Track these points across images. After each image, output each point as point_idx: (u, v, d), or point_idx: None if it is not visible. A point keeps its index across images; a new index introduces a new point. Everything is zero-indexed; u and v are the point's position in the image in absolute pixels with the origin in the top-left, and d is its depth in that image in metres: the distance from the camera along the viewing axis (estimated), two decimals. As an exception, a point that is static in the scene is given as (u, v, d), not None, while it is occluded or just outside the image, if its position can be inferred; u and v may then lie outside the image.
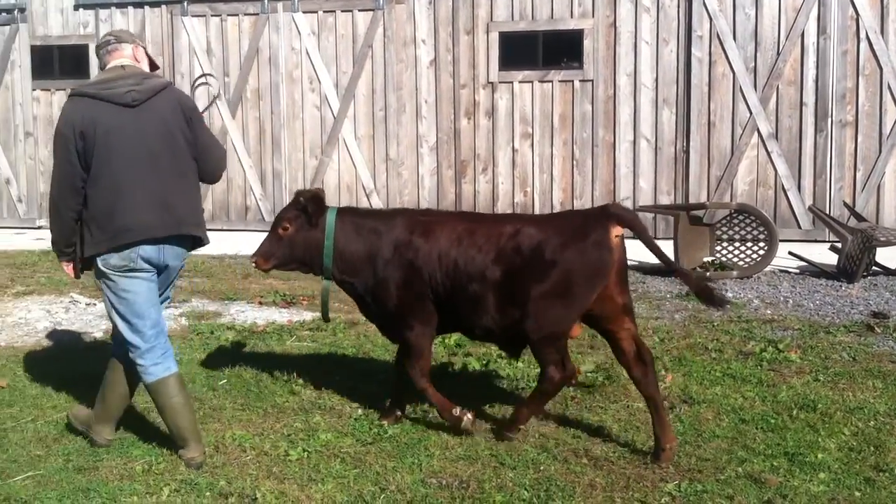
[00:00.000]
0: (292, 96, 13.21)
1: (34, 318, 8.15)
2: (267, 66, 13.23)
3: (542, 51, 12.55)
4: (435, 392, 5.21)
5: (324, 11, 13.01)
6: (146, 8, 13.49)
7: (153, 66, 5.10)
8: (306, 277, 9.64)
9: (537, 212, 12.52)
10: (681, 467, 4.62)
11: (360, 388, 5.95)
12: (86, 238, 4.79)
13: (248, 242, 12.23)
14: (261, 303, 8.62)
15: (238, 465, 4.76)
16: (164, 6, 13.41)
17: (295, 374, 6.20)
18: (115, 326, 4.93)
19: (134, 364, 4.85)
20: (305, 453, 4.87)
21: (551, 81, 12.45)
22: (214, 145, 5.13)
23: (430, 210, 6.19)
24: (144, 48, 5.08)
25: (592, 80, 12.32)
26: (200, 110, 5.12)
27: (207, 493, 4.40)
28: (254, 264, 5.51)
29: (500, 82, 12.57)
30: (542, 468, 4.65)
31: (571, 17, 12.34)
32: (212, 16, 13.30)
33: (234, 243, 12.18)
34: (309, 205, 5.29)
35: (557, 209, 12.46)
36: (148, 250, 4.76)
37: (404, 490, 4.42)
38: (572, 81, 12.39)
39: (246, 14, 13.21)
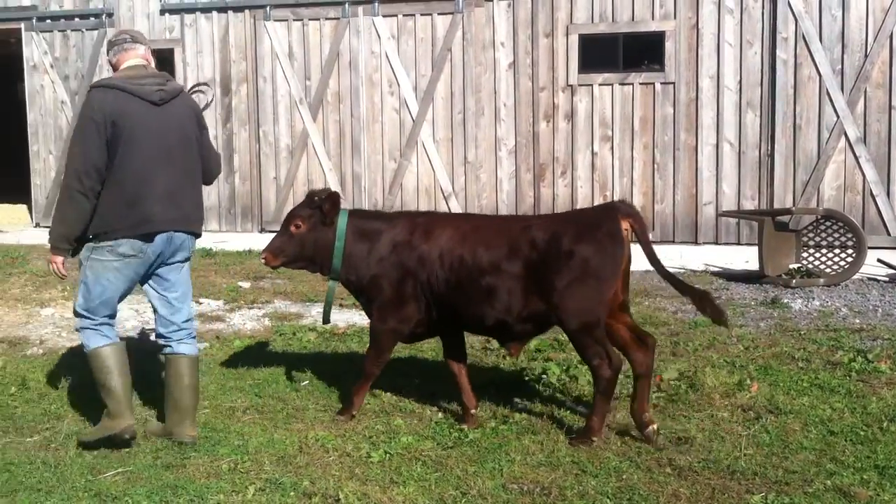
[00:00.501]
0: (372, 100, 13.31)
1: (123, 317, 8.32)
2: (347, 70, 13.35)
3: (623, 53, 12.44)
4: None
5: (403, 15, 13.09)
6: (230, 13, 13.73)
7: (158, 68, 5.32)
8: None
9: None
10: (767, 479, 4.53)
11: (439, 392, 5.96)
12: (100, 223, 4.94)
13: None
14: (342, 305, 8.69)
15: (321, 465, 4.81)
16: (247, 11, 13.63)
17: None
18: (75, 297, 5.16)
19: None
20: (387, 455, 4.90)
21: (632, 84, 12.33)
22: (213, 150, 5.48)
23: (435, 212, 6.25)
24: (152, 50, 5.32)
25: (674, 83, 12.17)
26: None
27: (291, 493, 4.45)
28: (262, 261, 5.63)
29: (579, 85, 12.50)
30: (624, 476, 4.60)
31: (653, 18, 12.20)
32: (294, 20, 13.48)
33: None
34: (324, 204, 5.44)
35: (637, 213, 12.34)
36: (158, 242, 5.01)
37: (485, 495, 4.41)
38: (653, 84, 12.25)
39: (327, 18, 13.35)
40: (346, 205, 12.74)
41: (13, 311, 8.57)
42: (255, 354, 7.01)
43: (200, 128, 5.25)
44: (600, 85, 12.46)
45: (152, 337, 7.54)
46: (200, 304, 8.82)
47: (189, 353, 5.24)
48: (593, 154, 12.53)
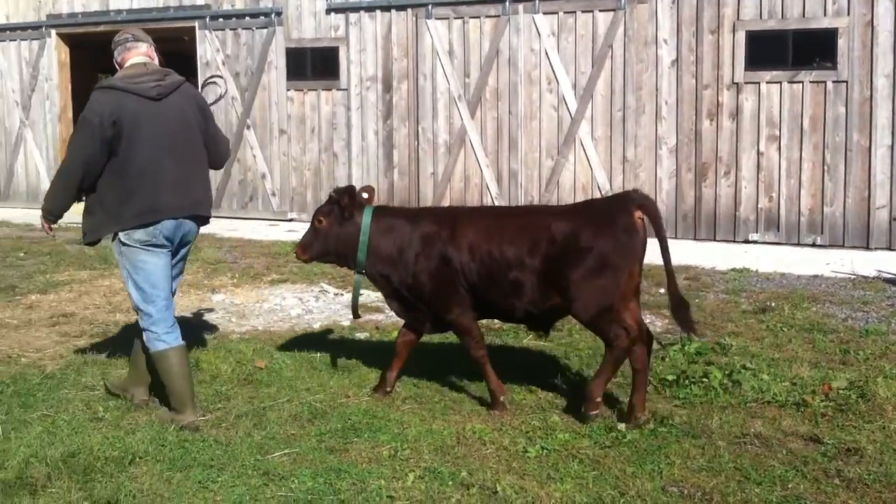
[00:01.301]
0: (530, 97, 13.31)
1: (288, 304, 8.64)
2: (506, 67, 13.40)
3: (792, 50, 12.00)
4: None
5: (564, 12, 13.03)
6: (393, 11, 13.99)
7: (161, 63, 5.63)
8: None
9: (783, 219, 12.03)
10: (947, 496, 4.31)
11: (596, 390, 5.93)
12: (110, 216, 5.31)
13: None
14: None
15: (479, 457, 4.86)
16: (409, 9, 13.86)
17: (532, 373, 6.27)
18: (131, 298, 5.48)
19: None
20: (544, 451, 4.90)
21: (801, 82, 11.88)
22: (221, 136, 5.78)
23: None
24: (156, 47, 5.65)
25: (847, 81, 11.66)
26: (210, 105, 5.83)
27: (450, 483, 4.51)
28: (295, 254, 5.98)
29: (745, 83, 12.14)
30: (790, 486, 4.45)
31: (824, 15, 11.73)
32: (455, 18, 13.62)
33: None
34: (342, 200, 5.67)
35: (805, 216, 11.91)
36: (168, 227, 5.34)
37: (644, 496, 4.36)
38: (825, 82, 11.77)
39: (487, 16, 13.43)
40: (503, 202, 12.81)
41: (186, 297, 8.99)
42: (414, 347, 7.12)
43: (205, 117, 5.57)
44: (768, 83, 12.06)
45: (317, 325, 7.78)
46: (361, 294, 9.00)
47: (181, 342, 5.51)
48: (759, 154, 12.15)
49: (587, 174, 13.03)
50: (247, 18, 15.08)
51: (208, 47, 15.42)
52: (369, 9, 14.11)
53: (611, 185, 12.85)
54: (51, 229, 5.60)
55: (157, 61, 5.56)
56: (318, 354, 6.79)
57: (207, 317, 8.17)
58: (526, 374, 6.24)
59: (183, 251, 5.61)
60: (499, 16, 13.34)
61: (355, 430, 5.25)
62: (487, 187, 13.60)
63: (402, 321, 6.12)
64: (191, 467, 4.69)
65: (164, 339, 5.37)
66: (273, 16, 14.77)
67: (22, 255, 11.58)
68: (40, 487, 4.42)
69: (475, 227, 5.59)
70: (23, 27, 16.95)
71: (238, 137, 15.31)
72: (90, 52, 19.18)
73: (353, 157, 14.48)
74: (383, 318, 8.09)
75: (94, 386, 6.05)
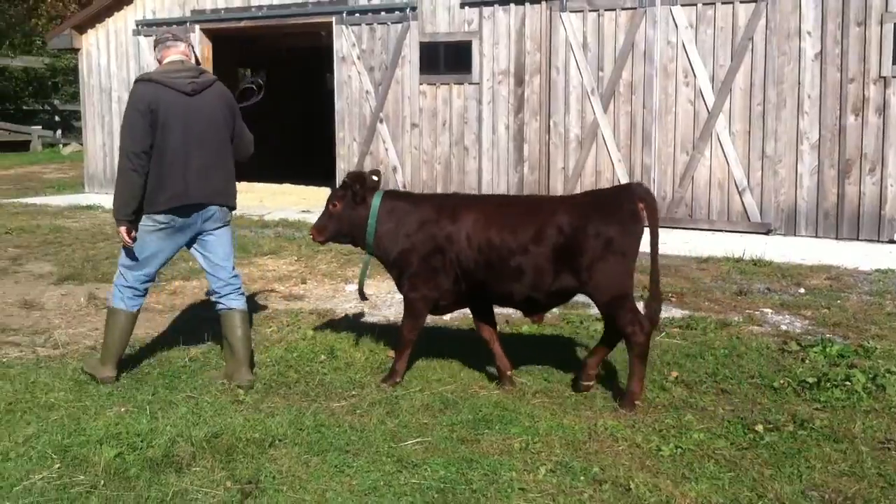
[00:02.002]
0: (665, 90, 13.07)
1: (381, 301, 8.73)
2: (641, 60, 13.19)
3: (945, 42, 11.44)
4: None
5: (703, 4, 12.73)
6: (527, 4, 13.95)
7: (197, 61, 6.27)
8: (676, 274, 9.57)
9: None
10: None
11: (731, 391, 5.80)
12: (149, 201, 5.76)
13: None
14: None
15: (611, 453, 4.82)
16: (544, 2, 13.80)
17: (666, 371, 6.18)
18: (120, 256, 5.99)
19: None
20: (678, 450, 4.82)
21: (955, 75, 11.31)
22: (247, 132, 6.24)
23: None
24: (192, 47, 6.21)
25: None
26: (240, 105, 6.31)
27: (582, 478, 4.49)
28: (311, 236, 6.26)
29: (893, 77, 11.62)
30: (940, 496, 4.26)
31: (983, 4, 11.13)
32: (590, 11, 13.49)
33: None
34: (354, 185, 5.98)
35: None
36: (192, 213, 5.85)
37: (783, 500, 4.25)
38: (980, 75, 11.18)
39: (623, 8, 13.25)
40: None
41: (321, 286, 9.20)
42: (543, 340, 7.12)
43: (233, 113, 6.07)
44: (917, 76, 11.53)
45: (447, 317, 7.85)
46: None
47: (238, 307, 6.06)
48: (906, 150, 11.63)
49: (724, 170, 12.71)
50: (382, 13, 15.29)
51: (344, 42, 15.71)
52: (503, 2, 14.11)
53: (748, 182, 12.51)
54: (129, 235, 5.82)
55: (192, 60, 6.11)
56: (449, 345, 6.84)
57: (341, 306, 8.34)
58: (657, 372, 6.15)
59: (215, 233, 6.04)
60: (635, 8, 13.14)
61: (486, 421, 5.28)
62: (619, 182, 13.43)
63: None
64: (327, 451, 4.80)
65: (125, 301, 5.95)
66: (408, 10, 14.93)
67: (166, 242, 12.02)
68: (185, 466, 4.60)
69: (476, 215, 5.81)
70: (168, 22, 17.60)
71: (371, 131, 15.56)
72: (230, 47, 19.82)
73: (484, 151, 14.53)
74: (513, 312, 8.09)
75: (234, 370, 6.25)
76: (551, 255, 5.54)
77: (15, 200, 17.16)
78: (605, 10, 13.38)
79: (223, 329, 6.07)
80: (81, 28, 18.74)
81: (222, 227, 6.07)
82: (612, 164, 13.44)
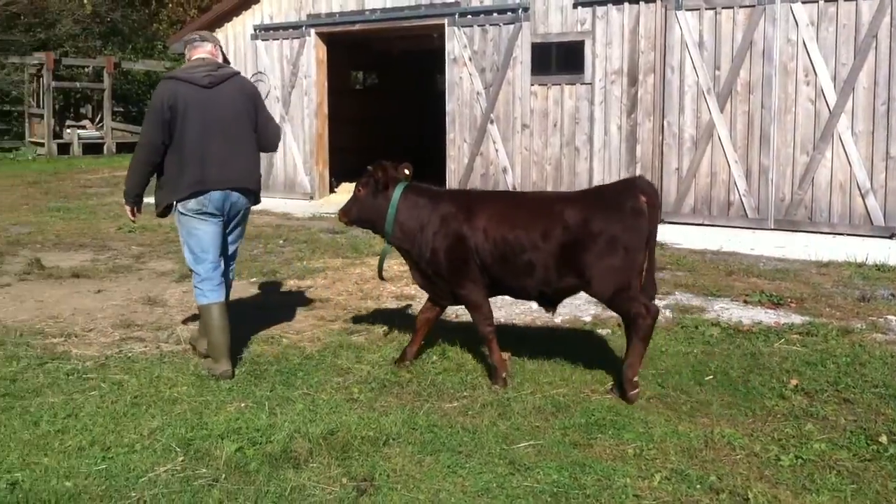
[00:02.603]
0: (785, 90, 12.72)
1: (577, 303, 8.70)
2: (759, 59, 12.87)
3: None
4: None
5: (825, 1, 12.34)
6: (641, 3, 13.76)
7: (226, 61, 6.62)
8: (796, 279, 9.31)
9: None
10: None
11: (854, 400, 5.61)
12: (170, 188, 6.15)
13: (730, 238, 12.05)
14: (746, 301, 8.43)
15: (728, 462, 4.72)
16: (659, 1, 13.59)
17: (785, 379, 6.02)
18: (185, 259, 6.39)
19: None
20: (798, 461, 4.70)
21: None
22: (270, 123, 6.52)
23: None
24: (222, 49, 6.62)
25: None
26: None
27: (698, 486, 4.42)
28: (337, 216, 6.57)
29: None
30: None
31: None
32: (706, 9, 13.23)
33: (715, 239, 12.06)
34: (376, 173, 6.21)
35: None
36: (216, 198, 6.15)
37: (910, 515, 4.09)
38: None
39: (741, 6, 12.95)
40: (752, 199, 12.30)
41: (432, 286, 9.26)
42: (656, 344, 7.00)
43: (255, 105, 6.37)
44: None
45: (558, 320, 7.81)
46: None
47: (223, 299, 6.30)
48: None
49: (845, 171, 12.30)
50: (494, 14, 15.31)
51: (456, 43, 15.79)
52: (617, 1, 13.95)
53: (871, 184, 12.08)
54: (133, 214, 6.46)
55: (219, 59, 6.48)
56: (560, 348, 6.81)
57: (453, 308, 8.37)
58: (776, 380, 6.00)
59: (235, 221, 6.42)
60: (753, 6, 12.83)
61: (599, 426, 5.24)
62: (735, 184, 13.14)
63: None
64: (440, 451, 4.84)
65: (208, 295, 6.22)
66: (520, 11, 14.91)
67: (281, 242, 12.31)
68: (303, 462, 4.70)
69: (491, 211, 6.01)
70: (285, 27, 17.99)
71: (481, 132, 15.59)
72: (344, 50, 20.13)
73: (595, 152, 14.40)
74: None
75: (349, 369, 6.35)
76: (557, 250, 5.71)
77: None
78: (723, 7, 13.10)
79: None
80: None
81: (246, 213, 6.51)
82: (728, 165, 13.15)
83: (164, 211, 6.32)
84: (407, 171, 6.36)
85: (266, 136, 6.49)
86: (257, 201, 6.58)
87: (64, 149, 30.80)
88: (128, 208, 6.42)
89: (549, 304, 6.14)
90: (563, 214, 5.74)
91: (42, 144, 30.49)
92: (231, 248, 6.55)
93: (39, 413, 5.39)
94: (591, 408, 5.54)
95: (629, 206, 5.63)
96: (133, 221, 6.76)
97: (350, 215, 6.42)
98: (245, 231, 6.72)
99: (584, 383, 6.03)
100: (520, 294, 6.18)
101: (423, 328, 6.41)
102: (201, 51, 6.45)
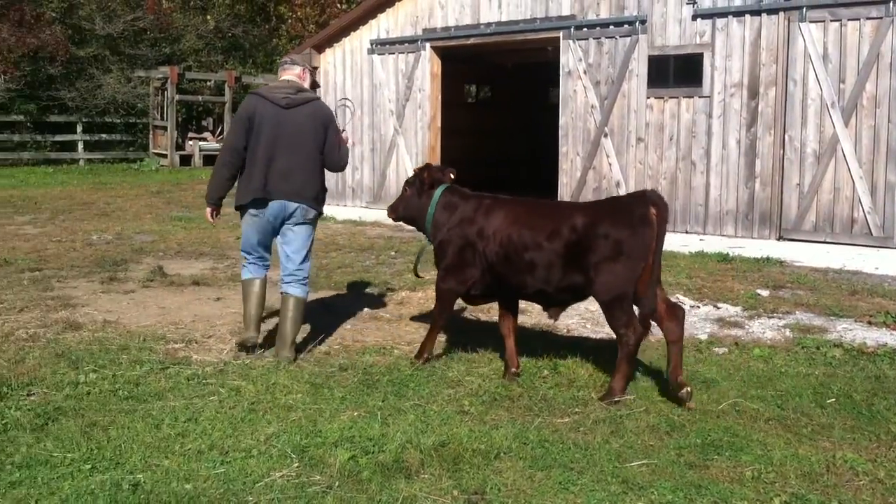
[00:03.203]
0: (913, 103, 12.23)
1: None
2: (886, 72, 12.40)
3: None
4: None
5: (958, 10, 11.84)
6: (763, 15, 13.44)
7: (314, 84, 7.47)
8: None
9: None
10: None
11: None
12: (240, 193, 6.95)
13: (853, 256, 11.64)
14: (870, 322, 8.13)
15: (850, 488, 4.56)
16: (782, 13, 13.25)
17: (913, 403, 5.78)
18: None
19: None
20: (927, 490, 4.50)
21: None
22: (338, 147, 7.10)
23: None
24: (311, 71, 7.37)
25: None
26: (339, 124, 7.30)
27: (820, 513, 4.27)
28: (386, 212, 7.15)
29: None
30: None
31: None
32: (831, 21, 12.83)
33: (837, 257, 11.68)
34: (421, 175, 6.79)
35: None
36: (274, 207, 6.90)
37: None
38: None
39: (868, 18, 12.51)
40: (877, 217, 11.89)
41: (543, 300, 9.22)
42: (776, 365, 6.83)
43: (325, 128, 7.00)
44: None
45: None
46: (718, 308, 8.78)
47: (293, 294, 7.01)
48: None
49: (978, 189, 11.75)
50: (611, 27, 15.17)
51: (571, 57, 15.71)
52: (738, 13, 13.66)
53: None
54: (212, 217, 7.25)
55: (306, 82, 7.18)
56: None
57: (564, 322, 8.32)
58: (905, 405, 5.77)
59: (294, 228, 7.02)
60: (881, 17, 12.38)
61: (715, 447, 5.12)
62: (860, 200, 12.68)
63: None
64: (551, 467, 4.80)
65: (250, 271, 7.17)
66: (637, 24, 14.74)
67: (393, 253, 12.44)
68: (414, 472, 4.72)
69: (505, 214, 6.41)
70: (401, 41, 18.22)
71: (595, 145, 15.46)
72: (458, 63, 20.27)
73: (712, 166, 14.11)
74: (743, 335, 7.82)
75: (459, 381, 6.37)
76: (563, 252, 6.02)
77: (256, 210, 18.23)
78: (849, 19, 12.69)
79: (280, 309, 7.07)
80: (320, 48, 19.70)
81: (302, 224, 7.03)
82: (853, 181, 12.71)
83: (238, 208, 7.10)
84: (452, 175, 6.88)
85: (331, 157, 7.10)
86: (319, 212, 7.15)
87: (185, 160, 31.83)
88: (207, 211, 7.23)
89: (548, 303, 6.43)
90: (572, 217, 6.07)
91: (165, 156, 31.56)
92: (297, 257, 7.06)
93: (161, 416, 5.56)
94: (707, 428, 5.42)
95: (638, 213, 5.84)
96: (212, 224, 7.64)
97: (397, 212, 6.98)
98: (311, 239, 7.19)
99: (700, 403, 5.90)
100: (520, 291, 6.44)
101: (508, 336, 6.59)
102: (289, 73, 7.15)
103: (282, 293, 7.08)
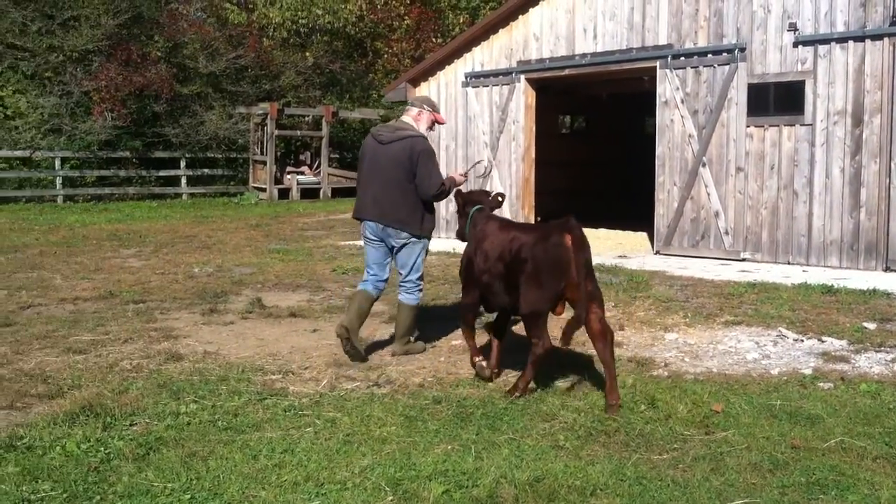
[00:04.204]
0: None
1: (743, 347, 8.38)
2: None
3: None
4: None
5: None
6: (867, 41, 13.08)
7: (435, 122, 8.32)
8: None
9: None
10: None
11: None
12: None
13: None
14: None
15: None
16: (886, 39, 12.88)
17: None
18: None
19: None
20: None
21: None
22: (427, 178, 7.91)
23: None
24: (431, 112, 8.24)
25: None
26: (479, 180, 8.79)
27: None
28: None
29: None
30: None
31: None
32: (939, 44, 12.44)
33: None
34: (457, 198, 7.86)
35: None
36: (370, 227, 8.13)
37: None
38: None
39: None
40: None
41: (639, 333, 9.07)
42: (884, 401, 6.56)
43: (412, 162, 7.88)
44: None
45: (775, 371, 7.45)
46: (823, 342, 8.51)
47: (403, 301, 8.23)
48: None
49: None
50: (709, 56, 14.97)
51: (668, 86, 15.54)
52: (841, 40, 13.35)
53: None
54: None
55: (422, 122, 8.20)
56: (778, 402, 6.50)
57: (661, 355, 8.17)
58: None
59: (401, 251, 8.13)
60: None
61: (820, 486, 4.94)
62: (972, 230, 12.20)
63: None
64: (649, 506, 4.68)
65: (362, 286, 8.23)
66: (736, 52, 14.52)
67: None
68: (508, 507, 4.66)
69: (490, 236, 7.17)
70: (495, 73, 18.30)
71: (692, 175, 15.23)
72: (552, 95, 20.27)
73: (815, 195, 13.75)
74: (849, 369, 7.55)
75: (554, 414, 6.29)
76: (504, 272, 6.85)
77: (351, 242, 18.47)
78: (957, 42, 12.28)
79: (397, 311, 8.33)
80: (415, 81, 19.94)
81: (408, 244, 8.08)
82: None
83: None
84: (500, 199, 7.87)
85: (420, 186, 7.93)
86: (413, 235, 8.06)
87: (283, 193, 32.48)
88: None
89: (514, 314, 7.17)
90: (511, 242, 6.84)
91: (264, 189, 32.26)
92: (403, 270, 8.20)
93: (258, 447, 5.62)
94: (811, 466, 5.23)
95: (553, 240, 6.46)
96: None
97: (456, 232, 8.01)
98: (417, 256, 8.15)
99: (804, 440, 5.71)
100: (496, 307, 7.32)
101: (494, 342, 7.46)
102: (406, 115, 8.25)
103: (398, 299, 8.32)
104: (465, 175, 8.48)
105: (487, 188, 18.41)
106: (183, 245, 17.94)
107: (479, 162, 9.58)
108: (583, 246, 6.37)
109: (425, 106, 8.25)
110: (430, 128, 8.30)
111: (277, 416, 6.32)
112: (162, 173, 32.32)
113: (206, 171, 33.68)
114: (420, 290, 8.29)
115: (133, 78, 30.40)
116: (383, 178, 7.95)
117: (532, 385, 6.89)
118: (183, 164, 32.70)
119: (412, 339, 8.37)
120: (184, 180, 32.71)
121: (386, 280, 8.29)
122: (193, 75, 34.21)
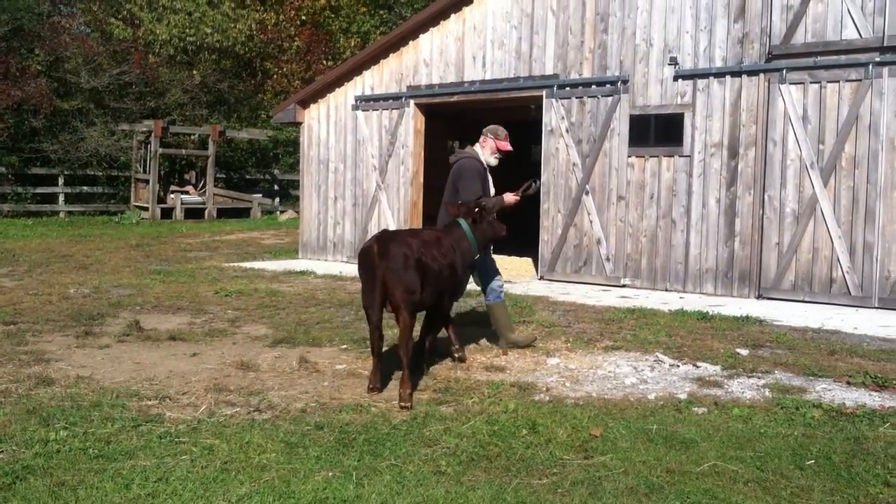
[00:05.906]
0: (892, 165, 12.38)
1: (622, 372, 8.55)
2: (865, 134, 12.57)
3: None
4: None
5: (934, 74, 12.03)
6: (744, 76, 13.62)
7: (498, 150, 9.39)
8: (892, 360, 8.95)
9: None
10: None
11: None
12: None
13: (832, 316, 11.66)
14: (849, 383, 8.10)
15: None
16: (762, 74, 13.43)
17: (890, 465, 5.73)
18: None
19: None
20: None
21: None
22: (463, 193, 8.89)
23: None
24: (493, 138, 9.34)
25: None
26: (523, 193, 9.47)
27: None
28: None
29: None
30: None
31: None
32: (811, 83, 13.01)
33: (816, 316, 11.70)
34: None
35: None
36: None
37: None
38: None
39: (847, 80, 12.70)
40: (855, 276, 11.90)
41: (522, 358, 9.16)
42: (755, 425, 6.77)
43: (455, 179, 9.08)
44: None
45: (651, 396, 7.60)
46: (698, 367, 8.75)
47: (487, 302, 9.50)
48: None
49: (956, 250, 11.84)
50: (593, 87, 15.34)
51: (553, 115, 15.85)
52: (719, 75, 13.85)
53: (984, 263, 11.58)
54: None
55: (486, 148, 9.31)
56: (654, 426, 6.63)
57: (543, 380, 8.26)
58: (882, 467, 5.70)
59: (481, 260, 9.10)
60: (860, 80, 12.58)
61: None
62: (838, 260, 12.77)
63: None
64: (527, 531, 4.70)
65: (496, 299, 9.52)
66: (619, 83, 14.91)
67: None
68: (387, 534, 4.62)
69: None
70: (385, 97, 18.35)
71: (576, 203, 15.54)
72: (442, 121, 20.38)
73: (692, 224, 14.19)
74: (722, 394, 7.77)
75: (437, 440, 6.28)
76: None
77: (236, 264, 18.17)
78: (828, 82, 12.88)
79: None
80: (305, 103, 19.82)
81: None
82: (832, 241, 12.80)
83: None
84: (477, 210, 8.58)
85: (462, 199, 8.85)
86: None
87: (167, 213, 31.80)
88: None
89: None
90: None
91: (146, 209, 31.53)
92: (483, 279, 9.43)
93: (131, 476, 5.44)
94: (686, 490, 5.35)
95: (364, 247, 7.56)
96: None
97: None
98: (485, 263, 9.33)
99: (679, 464, 5.84)
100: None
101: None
102: (479, 142, 9.37)
103: (486, 302, 9.58)
104: (518, 195, 9.30)
105: (375, 216, 18.41)
106: (59, 265, 17.34)
107: (532, 182, 9.75)
108: (386, 254, 7.35)
109: (489, 134, 9.28)
110: (495, 154, 9.26)
111: (152, 443, 6.13)
112: (39, 190, 31.29)
113: (85, 188, 32.73)
114: (502, 288, 9.54)
115: (11, 91, 29.40)
116: (445, 195, 9.18)
117: (419, 410, 6.87)
118: (61, 181, 31.73)
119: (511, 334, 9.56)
120: (62, 198, 31.73)
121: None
122: (75, 90, 33.28)
